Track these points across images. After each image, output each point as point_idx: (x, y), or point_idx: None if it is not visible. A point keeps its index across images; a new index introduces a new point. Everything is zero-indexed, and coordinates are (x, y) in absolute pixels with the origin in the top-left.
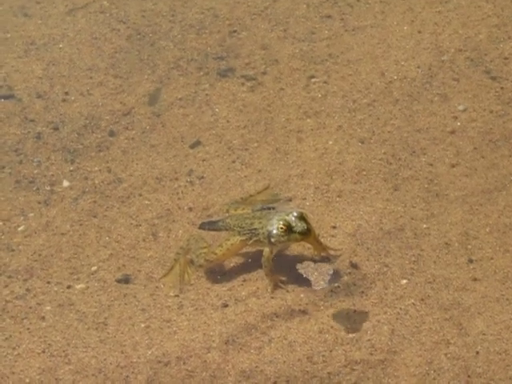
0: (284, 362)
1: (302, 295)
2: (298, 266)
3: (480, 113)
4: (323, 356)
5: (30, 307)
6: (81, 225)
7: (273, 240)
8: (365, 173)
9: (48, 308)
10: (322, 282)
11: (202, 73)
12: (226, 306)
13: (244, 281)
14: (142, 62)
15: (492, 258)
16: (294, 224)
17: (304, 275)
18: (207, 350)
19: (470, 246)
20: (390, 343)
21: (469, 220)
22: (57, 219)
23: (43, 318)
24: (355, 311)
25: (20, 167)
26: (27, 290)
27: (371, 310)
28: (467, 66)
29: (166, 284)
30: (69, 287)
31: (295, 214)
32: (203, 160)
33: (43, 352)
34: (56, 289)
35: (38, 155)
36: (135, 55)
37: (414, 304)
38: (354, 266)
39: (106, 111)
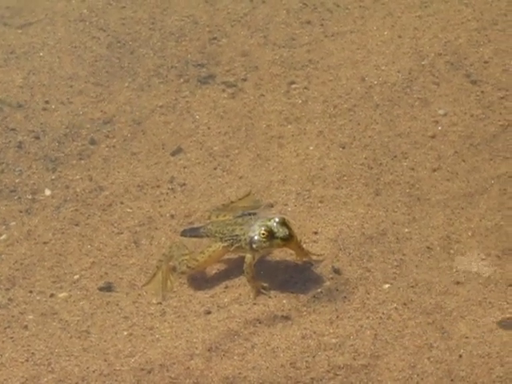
0: (267, 367)
1: (284, 301)
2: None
3: (461, 117)
4: (306, 361)
5: (13, 316)
6: (63, 233)
7: (255, 246)
8: (346, 178)
9: (31, 317)
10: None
11: (182, 80)
12: (209, 312)
13: (226, 287)
14: (122, 69)
15: None
16: (275, 230)
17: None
18: (190, 356)
19: (452, 250)
20: (372, 348)
21: (450, 224)
22: (39, 228)
23: (26, 326)
24: (338, 316)
25: (1, 176)
26: (9, 299)
27: (354, 315)
28: (447, 70)
29: (148, 291)
30: (51, 296)
31: (277, 219)
32: (184, 167)
33: (26, 361)
34: (38, 298)
35: (19, 164)
36: (115, 63)
37: (396, 308)
38: (336, 271)
39: (87, 119)
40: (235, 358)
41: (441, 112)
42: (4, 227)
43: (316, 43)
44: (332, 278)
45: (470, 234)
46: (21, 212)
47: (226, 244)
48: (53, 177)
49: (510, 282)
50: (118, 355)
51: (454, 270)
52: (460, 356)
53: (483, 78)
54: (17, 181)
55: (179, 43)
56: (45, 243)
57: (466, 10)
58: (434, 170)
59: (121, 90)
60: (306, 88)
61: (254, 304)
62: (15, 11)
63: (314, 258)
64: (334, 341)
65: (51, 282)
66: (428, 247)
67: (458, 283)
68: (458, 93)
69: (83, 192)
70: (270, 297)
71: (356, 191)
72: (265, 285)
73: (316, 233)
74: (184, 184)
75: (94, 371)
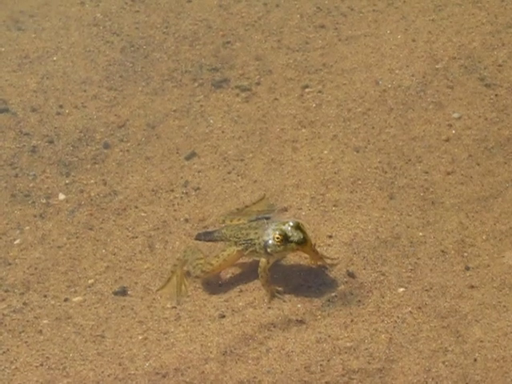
0: (282, 372)
1: (299, 305)
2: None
3: (475, 120)
4: (321, 365)
5: (28, 321)
6: (77, 237)
7: (269, 250)
8: (360, 182)
9: (45, 321)
10: None
11: (196, 84)
12: (223, 316)
13: (241, 291)
14: (136, 74)
15: (489, 265)
16: (290, 234)
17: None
18: (205, 361)
19: (466, 254)
20: (387, 352)
21: (465, 227)
22: (53, 232)
23: (41, 331)
24: (352, 320)
25: (15, 181)
26: (24, 303)
27: (368, 319)
28: (461, 73)
29: (163, 296)
30: (66, 300)
31: (291, 223)
32: (199, 171)
33: (41, 365)
34: (53, 302)
35: (33, 169)
36: (129, 67)
37: (411, 312)
38: (350, 274)
39: (101, 124)
40: (250, 362)
41: (455, 115)
42: (18, 232)
43: (330, 47)
44: (346, 282)
45: (484, 237)
46: (35, 216)
47: (240, 248)
48: (67, 181)
49: None
50: (133, 359)
51: (468, 274)
52: (475, 360)
53: (497, 82)
54: (31, 185)
55: (193, 47)
56: (59, 247)
57: (480, 14)
58: (448, 174)
59: (135, 94)
60: (319, 92)
61: (269, 308)
62: (29, 16)
63: (329, 261)
64: (348, 345)
65: (66, 287)
66: (442, 251)
67: (472, 287)
68: (472, 96)
69: (97, 196)
70: (284, 301)
71: (370, 195)
72: (279, 289)
73: (330, 237)
74: (198, 188)
75: (108, 375)
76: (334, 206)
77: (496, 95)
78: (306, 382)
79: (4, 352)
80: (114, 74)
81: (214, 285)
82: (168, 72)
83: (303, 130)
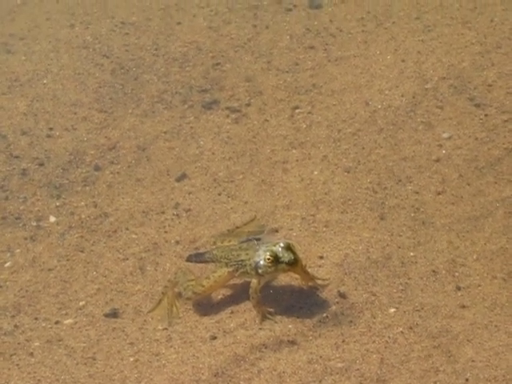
0: None
1: (290, 326)
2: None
3: (465, 140)
4: None
5: (19, 343)
6: (68, 260)
7: (260, 271)
8: (351, 202)
9: (36, 344)
10: None
11: (186, 105)
12: (215, 338)
13: (232, 313)
14: (126, 96)
15: (480, 285)
16: (280, 255)
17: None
18: (196, 382)
19: (457, 274)
20: (379, 372)
21: (456, 247)
22: (44, 255)
23: (32, 354)
24: (344, 341)
25: (6, 204)
26: (15, 326)
27: (360, 339)
28: (451, 93)
29: (154, 317)
30: (57, 323)
31: (282, 244)
32: (189, 193)
33: None
34: (44, 324)
35: (23, 191)
36: (119, 89)
37: (402, 332)
38: (341, 295)
39: (91, 146)
40: (241, 383)
41: (445, 135)
42: (9, 254)
43: (319, 68)
44: (338, 303)
45: (475, 257)
46: (25, 239)
47: (231, 269)
48: (57, 203)
49: None
50: (125, 381)
51: (459, 294)
52: (466, 380)
53: (487, 102)
54: (21, 208)
55: (183, 69)
56: (50, 270)
57: (470, 34)
58: (439, 194)
59: (125, 116)
60: (309, 113)
61: (260, 329)
62: (19, 38)
63: (320, 282)
64: (340, 365)
65: (57, 309)
66: (433, 271)
67: (463, 307)
68: (461, 116)
69: (88, 218)
70: (275, 322)
71: (361, 215)
72: (270, 310)
73: (321, 257)
74: (189, 210)
75: None
76: (325, 226)
77: (486, 115)
78: None
79: None
80: (104, 96)
81: (205, 306)
82: (158, 94)
83: (293, 151)
